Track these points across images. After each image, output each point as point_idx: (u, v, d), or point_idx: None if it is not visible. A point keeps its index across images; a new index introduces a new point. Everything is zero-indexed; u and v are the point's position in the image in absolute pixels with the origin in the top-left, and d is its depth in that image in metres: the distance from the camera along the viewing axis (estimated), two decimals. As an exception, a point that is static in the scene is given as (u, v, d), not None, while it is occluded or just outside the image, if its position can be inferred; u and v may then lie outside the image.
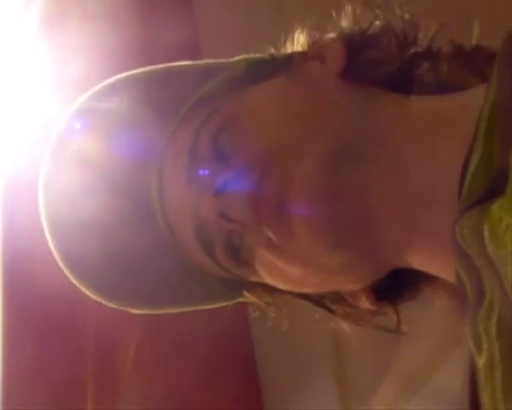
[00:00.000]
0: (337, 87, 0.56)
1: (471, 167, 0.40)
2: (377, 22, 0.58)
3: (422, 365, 1.11)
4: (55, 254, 0.61)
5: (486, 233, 0.33)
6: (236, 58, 0.61)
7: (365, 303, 0.58)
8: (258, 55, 0.61)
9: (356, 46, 0.57)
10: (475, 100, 0.46)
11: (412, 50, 0.57)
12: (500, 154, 0.38)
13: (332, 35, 0.59)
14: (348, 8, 0.59)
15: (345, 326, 0.62)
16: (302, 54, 0.60)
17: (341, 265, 0.52)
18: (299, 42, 0.61)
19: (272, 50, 0.61)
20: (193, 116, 0.56)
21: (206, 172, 0.54)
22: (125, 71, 0.61)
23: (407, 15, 0.58)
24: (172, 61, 0.62)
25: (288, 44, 0.62)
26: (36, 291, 1.08)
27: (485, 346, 0.36)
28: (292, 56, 0.60)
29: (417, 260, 0.53)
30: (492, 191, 0.37)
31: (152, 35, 1.16)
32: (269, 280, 0.57)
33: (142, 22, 1.19)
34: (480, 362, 0.36)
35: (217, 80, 0.58)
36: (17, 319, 1.07)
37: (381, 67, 0.56)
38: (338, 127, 0.52)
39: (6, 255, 1.09)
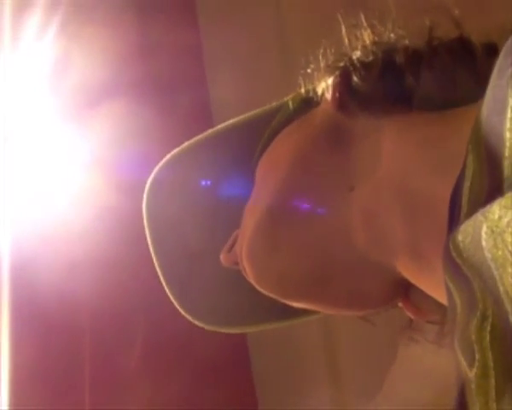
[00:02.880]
0: (329, 121, 0.56)
1: (466, 183, 0.38)
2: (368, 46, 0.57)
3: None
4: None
5: (484, 234, 0.32)
6: (288, 99, 0.64)
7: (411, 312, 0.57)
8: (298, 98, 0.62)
9: (347, 77, 0.57)
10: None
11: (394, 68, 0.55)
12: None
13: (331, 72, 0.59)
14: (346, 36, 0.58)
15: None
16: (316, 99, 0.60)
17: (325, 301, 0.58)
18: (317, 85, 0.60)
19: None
20: None
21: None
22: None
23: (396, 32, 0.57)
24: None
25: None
26: (41, 296, 1.09)
27: (477, 356, 0.34)
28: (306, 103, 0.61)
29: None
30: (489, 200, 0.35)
31: (155, 41, 1.16)
32: None
33: (145, 27, 1.19)
34: (471, 373, 0.35)
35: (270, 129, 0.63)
36: (22, 323, 1.08)
37: (370, 93, 0.55)
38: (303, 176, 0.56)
39: (12, 262, 1.10)
